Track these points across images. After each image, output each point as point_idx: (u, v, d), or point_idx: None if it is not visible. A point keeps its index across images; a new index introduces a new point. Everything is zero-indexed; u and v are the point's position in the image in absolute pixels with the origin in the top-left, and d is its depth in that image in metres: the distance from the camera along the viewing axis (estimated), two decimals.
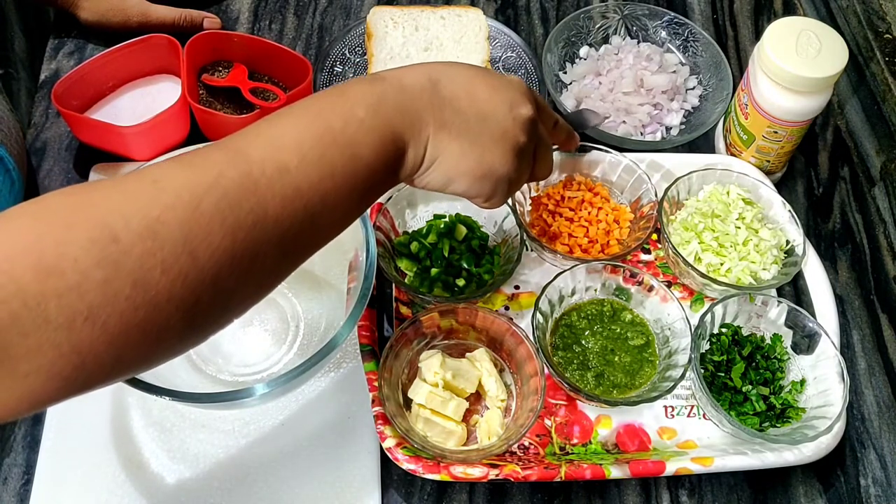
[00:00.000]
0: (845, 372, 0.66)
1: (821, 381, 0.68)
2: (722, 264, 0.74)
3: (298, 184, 0.45)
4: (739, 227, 0.75)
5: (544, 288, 0.69)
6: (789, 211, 0.77)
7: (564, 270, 0.71)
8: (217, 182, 0.42)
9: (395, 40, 0.83)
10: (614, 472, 0.63)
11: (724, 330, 0.71)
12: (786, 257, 0.76)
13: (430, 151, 0.52)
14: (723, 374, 0.69)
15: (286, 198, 0.44)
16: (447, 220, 0.75)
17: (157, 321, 0.39)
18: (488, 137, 0.54)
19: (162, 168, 0.42)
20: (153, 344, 0.40)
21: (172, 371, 0.65)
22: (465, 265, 0.73)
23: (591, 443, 0.68)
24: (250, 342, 0.71)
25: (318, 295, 0.74)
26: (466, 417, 0.67)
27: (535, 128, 0.57)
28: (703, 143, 0.88)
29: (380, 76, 0.53)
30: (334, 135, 0.47)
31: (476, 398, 0.68)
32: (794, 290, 0.78)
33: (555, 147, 0.67)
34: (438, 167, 0.53)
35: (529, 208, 0.78)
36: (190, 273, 0.40)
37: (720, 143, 0.86)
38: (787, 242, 0.76)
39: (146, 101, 0.84)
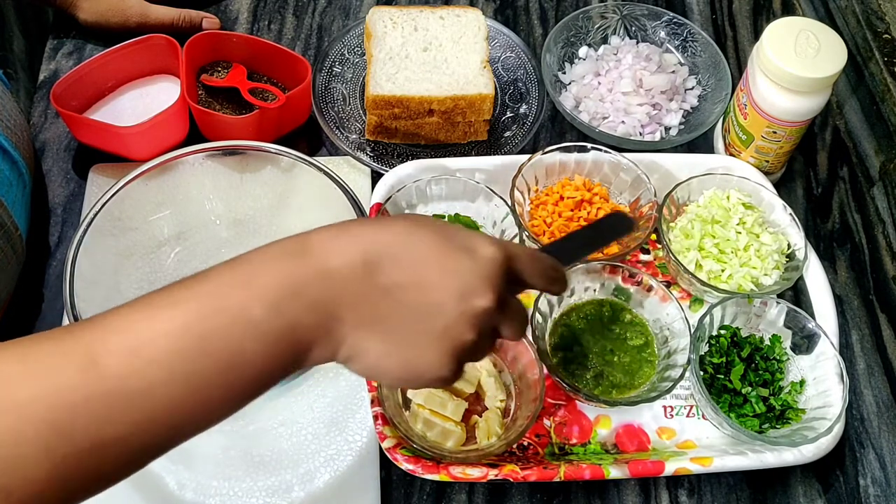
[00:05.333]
0: (845, 372, 0.66)
1: (820, 381, 0.68)
2: (723, 271, 0.74)
3: (155, 407, 0.38)
4: (740, 233, 0.75)
5: None
6: (790, 214, 0.76)
7: None
8: (53, 401, 0.35)
9: (394, 40, 0.83)
10: (613, 473, 0.63)
11: (722, 332, 0.71)
12: (787, 262, 0.75)
13: (344, 351, 0.44)
14: (722, 377, 0.69)
15: (136, 423, 0.38)
16: (446, 219, 0.75)
17: None
18: (424, 336, 0.44)
19: (7, 362, 0.36)
20: None
21: None
22: None
23: (590, 443, 0.68)
24: None
25: None
26: (466, 418, 0.67)
27: (490, 319, 0.46)
28: (702, 144, 0.88)
29: (306, 248, 0.43)
30: (212, 342, 0.40)
31: (475, 398, 0.68)
32: (794, 290, 0.78)
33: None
34: (355, 364, 0.45)
35: (529, 208, 0.78)
36: None
37: (719, 143, 0.86)
38: (789, 246, 0.76)
39: (145, 101, 0.84)
